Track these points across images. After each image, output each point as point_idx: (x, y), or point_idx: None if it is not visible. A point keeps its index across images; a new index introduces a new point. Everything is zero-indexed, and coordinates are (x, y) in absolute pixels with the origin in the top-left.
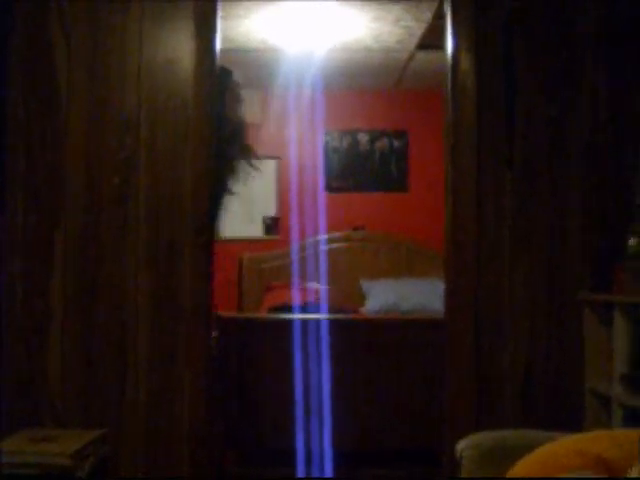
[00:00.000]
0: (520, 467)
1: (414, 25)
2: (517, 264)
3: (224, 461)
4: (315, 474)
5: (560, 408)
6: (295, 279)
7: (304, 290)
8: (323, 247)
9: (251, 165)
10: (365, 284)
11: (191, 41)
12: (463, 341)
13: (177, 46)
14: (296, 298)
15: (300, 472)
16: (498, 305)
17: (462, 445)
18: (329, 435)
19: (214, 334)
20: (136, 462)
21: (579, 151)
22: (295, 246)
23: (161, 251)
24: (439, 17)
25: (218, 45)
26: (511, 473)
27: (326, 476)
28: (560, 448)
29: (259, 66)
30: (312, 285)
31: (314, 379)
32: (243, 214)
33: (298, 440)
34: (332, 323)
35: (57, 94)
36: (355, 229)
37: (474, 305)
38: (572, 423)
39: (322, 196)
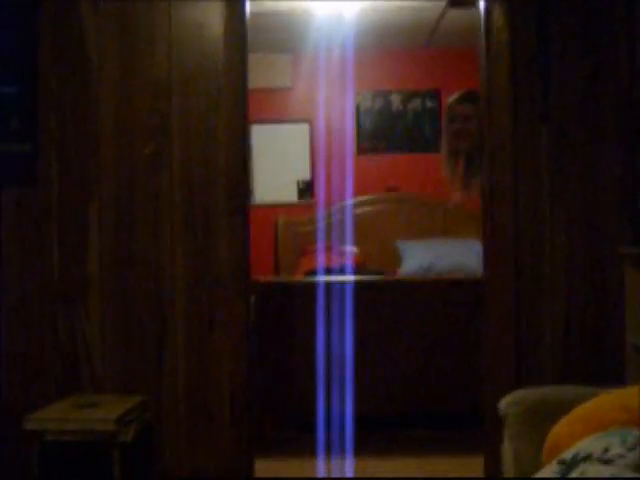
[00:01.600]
0: (565, 423)
1: None
2: (555, 220)
3: (263, 426)
4: (349, 439)
5: (601, 363)
6: (331, 242)
7: (340, 253)
8: (357, 209)
9: None
10: (401, 245)
11: (220, 5)
12: (502, 297)
13: (206, 10)
14: (332, 261)
15: (332, 437)
16: (537, 261)
17: (505, 402)
18: (366, 399)
19: (252, 299)
20: (178, 428)
21: (614, 104)
22: (329, 209)
23: (197, 218)
24: None
25: (248, 9)
26: (556, 429)
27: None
28: (605, 403)
29: (289, 29)
30: (348, 248)
31: (352, 342)
32: (277, 178)
33: (332, 405)
34: (369, 285)
35: (87, 62)
36: (388, 190)
37: (513, 261)
38: (613, 378)
39: (355, 158)
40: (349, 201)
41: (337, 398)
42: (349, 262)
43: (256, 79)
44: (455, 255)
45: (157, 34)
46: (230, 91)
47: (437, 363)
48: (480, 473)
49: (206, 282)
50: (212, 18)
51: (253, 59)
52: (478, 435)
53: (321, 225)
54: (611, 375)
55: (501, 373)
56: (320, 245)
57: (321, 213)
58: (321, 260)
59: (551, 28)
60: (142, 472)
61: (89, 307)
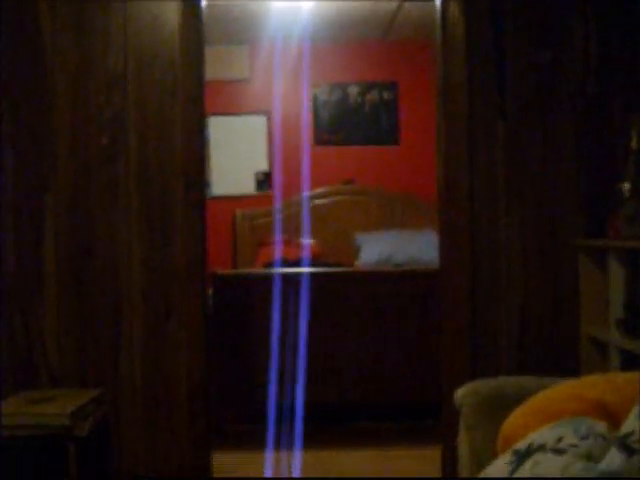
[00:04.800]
0: (519, 413)
1: None
2: (511, 213)
3: (221, 419)
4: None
5: (556, 355)
6: (289, 234)
7: (298, 245)
8: (314, 201)
9: None
10: (359, 237)
11: None
12: (458, 291)
13: (163, 1)
14: (290, 253)
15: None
16: (493, 254)
17: (461, 393)
18: (323, 389)
19: (210, 292)
20: (135, 421)
21: (570, 98)
22: (287, 201)
23: (153, 210)
24: None
25: (204, 0)
26: (510, 420)
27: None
28: (559, 393)
29: (246, 21)
30: (305, 240)
31: (309, 334)
32: (234, 170)
33: (289, 397)
34: (327, 277)
35: (42, 54)
36: (345, 183)
37: (469, 255)
38: (569, 370)
39: (312, 150)
40: (306, 193)
41: (294, 390)
42: (307, 254)
43: (213, 71)
44: (413, 246)
45: (113, 25)
46: (187, 83)
47: (394, 354)
48: (437, 464)
49: (163, 274)
50: (168, 9)
51: (210, 51)
52: (435, 426)
53: (279, 217)
54: (567, 366)
55: (457, 364)
56: (278, 237)
57: (279, 205)
58: (279, 252)
59: (506, 22)
60: (98, 467)
61: (45, 301)
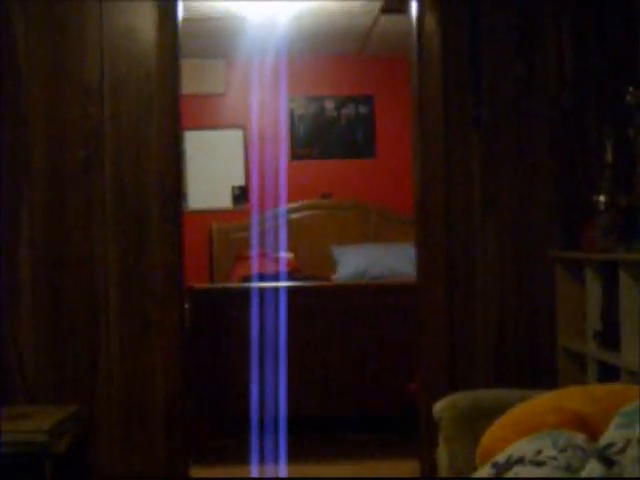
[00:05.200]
0: (498, 426)
1: None
2: (487, 225)
3: (200, 434)
4: (286, 442)
5: (533, 367)
6: (265, 248)
7: (274, 259)
8: (291, 215)
9: None
10: (335, 251)
11: (152, 9)
12: (435, 304)
13: (138, 13)
14: (267, 267)
15: (267, 442)
16: (469, 267)
17: (439, 406)
18: (302, 402)
19: (186, 305)
20: (112, 437)
21: (545, 110)
22: (263, 215)
23: (129, 224)
24: None
25: (180, 13)
26: (489, 432)
27: (301, 443)
28: (537, 406)
29: (222, 35)
30: (282, 254)
31: (286, 347)
32: (211, 184)
33: (267, 410)
34: (304, 291)
35: (16, 65)
36: (323, 197)
37: (445, 268)
38: (546, 382)
39: (289, 164)
40: (283, 207)
41: (272, 403)
42: (283, 268)
43: (188, 85)
44: (389, 260)
45: (88, 38)
46: (162, 96)
47: (371, 367)
48: (416, 476)
49: (140, 288)
50: (144, 22)
51: (185, 65)
52: (413, 439)
53: (255, 231)
54: (544, 378)
55: (435, 377)
56: (254, 251)
57: (255, 219)
58: (255, 266)
59: (482, 35)
60: None
61: (20, 313)
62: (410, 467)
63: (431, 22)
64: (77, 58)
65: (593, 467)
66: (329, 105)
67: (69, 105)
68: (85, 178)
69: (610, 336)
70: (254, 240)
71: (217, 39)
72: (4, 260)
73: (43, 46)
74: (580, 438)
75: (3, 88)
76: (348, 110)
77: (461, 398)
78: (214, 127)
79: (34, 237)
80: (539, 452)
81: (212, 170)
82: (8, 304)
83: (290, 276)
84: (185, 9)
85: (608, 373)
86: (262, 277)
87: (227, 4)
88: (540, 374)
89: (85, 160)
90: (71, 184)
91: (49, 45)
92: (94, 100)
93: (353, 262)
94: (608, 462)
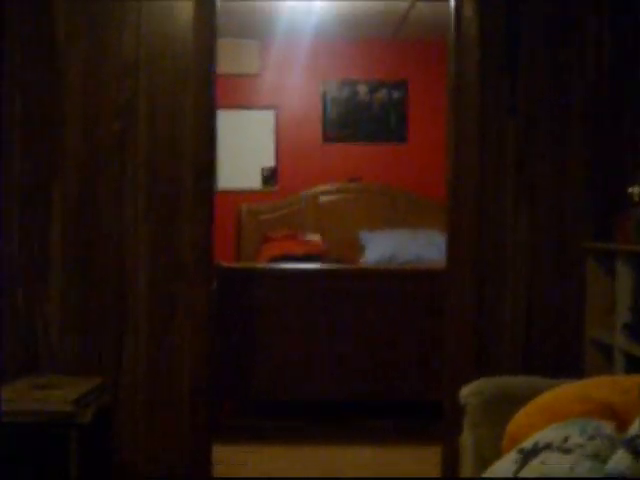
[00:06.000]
0: (525, 413)
1: None
2: (519, 214)
3: (221, 412)
4: (307, 425)
5: (561, 357)
6: (293, 230)
7: (303, 241)
8: (320, 198)
9: None
10: (363, 235)
11: None
12: (464, 291)
13: None
14: (294, 249)
15: (290, 423)
16: (500, 254)
17: (466, 392)
18: (324, 385)
19: (214, 284)
20: (136, 412)
21: (582, 99)
22: (293, 197)
23: (161, 201)
24: None
25: None
26: (516, 419)
27: (323, 425)
28: (565, 393)
29: (258, 15)
30: (311, 236)
31: (312, 329)
32: (241, 165)
33: (290, 391)
34: (330, 273)
35: (54, 40)
36: (352, 180)
37: (476, 255)
38: (573, 372)
39: (320, 146)
40: (313, 190)
41: (295, 385)
42: (311, 250)
43: (223, 64)
44: (417, 246)
45: (127, 15)
46: (198, 74)
47: (397, 352)
48: (437, 463)
49: (169, 266)
50: (182, 1)
51: (221, 44)
52: (436, 425)
53: (284, 213)
54: (571, 368)
55: (461, 364)
56: (283, 233)
57: (284, 201)
58: (283, 248)
59: (520, 20)
60: (99, 455)
61: (50, 288)
62: (432, 453)
63: (469, 8)
64: (115, 33)
65: (621, 456)
66: (362, 89)
67: (106, 79)
68: (118, 154)
69: (639, 328)
70: (282, 222)
71: (253, 20)
72: (36, 236)
73: (82, 21)
74: (608, 427)
75: (41, 62)
76: (381, 94)
77: (488, 384)
78: (246, 107)
79: (65, 212)
80: (566, 439)
81: (243, 150)
82: (38, 280)
83: (317, 259)
84: None
85: (636, 365)
86: (289, 259)
87: None
88: (567, 364)
89: (119, 135)
90: (104, 159)
91: (88, 20)
92: (130, 75)
93: (380, 247)
94: (636, 452)
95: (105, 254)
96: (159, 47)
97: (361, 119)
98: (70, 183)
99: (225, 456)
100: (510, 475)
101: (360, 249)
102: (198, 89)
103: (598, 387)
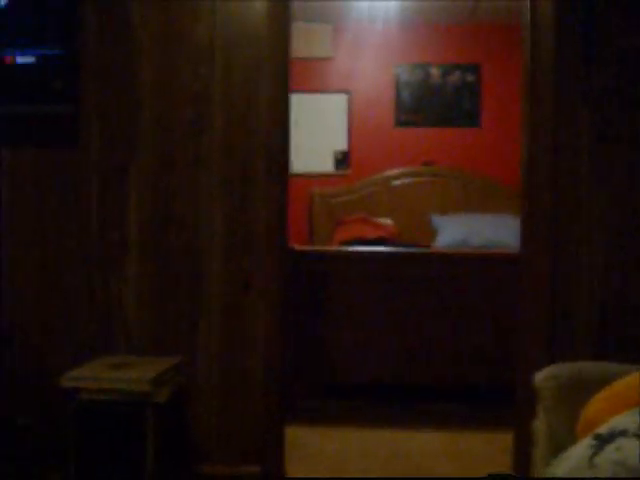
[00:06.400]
0: (601, 399)
1: None
2: (594, 200)
3: (293, 393)
4: (379, 408)
5: (636, 344)
6: (366, 214)
7: (375, 225)
8: (393, 182)
9: None
10: (436, 219)
11: None
12: (539, 276)
13: None
14: (367, 232)
15: (361, 406)
16: (575, 239)
17: (540, 376)
18: (398, 370)
19: (287, 266)
20: (211, 390)
21: None
22: (365, 181)
23: (235, 184)
24: None
25: None
26: (592, 404)
27: (393, 407)
28: None
29: None
30: (383, 220)
31: (385, 312)
32: (314, 148)
33: (362, 374)
34: (402, 257)
35: (130, 26)
36: (425, 164)
37: (550, 239)
38: None
39: (392, 130)
40: (385, 173)
41: (367, 367)
42: (383, 234)
43: (297, 48)
44: (490, 230)
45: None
46: (272, 58)
47: (469, 337)
48: (506, 449)
49: (243, 247)
50: None
51: (294, 28)
52: (508, 411)
53: (356, 196)
54: None
55: (535, 350)
56: (355, 216)
57: (357, 184)
58: (355, 231)
59: (598, 7)
60: (174, 434)
61: (126, 269)
62: (503, 439)
63: None
64: (189, 19)
65: None
66: (435, 72)
67: (180, 65)
68: (193, 137)
69: None
70: (355, 205)
71: (326, 4)
72: (113, 219)
73: (157, 7)
74: None
75: (115, 45)
76: (454, 78)
77: (563, 369)
78: (319, 91)
79: (141, 196)
80: None
81: (315, 134)
82: (115, 262)
83: (390, 242)
84: None
85: None
86: (362, 242)
87: None
88: None
89: (194, 119)
90: (179, 143)
91: (162, 6)
92: (205, 60)
93: (452, 231)
94: None
95: (180, 236)
96: (234, 32)
97: (434, 103)
98: (146, 167)
99: (298, 436)
100: (585, 461)
101: (432, 233)
102: (272, 73)
103: None
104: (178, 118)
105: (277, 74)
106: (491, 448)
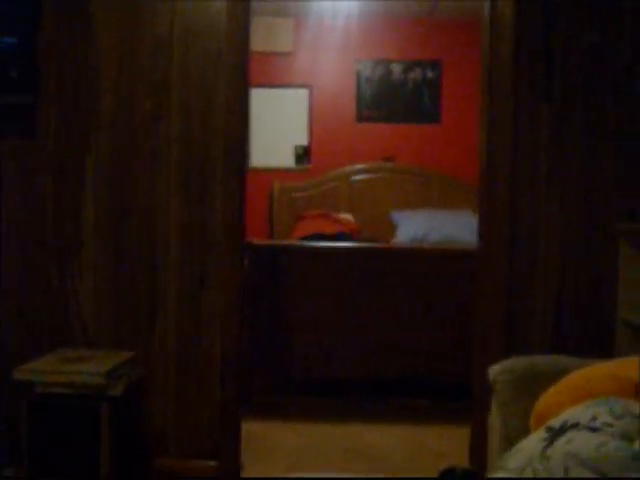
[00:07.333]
0: (554, 391)
1: None
2: (552, 196)
3: (251, 389)
4: (337, 403)
5: (591, 337)
6: (326, 209)
7: (335, 220)
8: (353, 177)
9: None
10: (395, 215)
11: None
12: (496, 271)
13: None
14: (326, 228)
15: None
16: (532, 235)
17: (495, 370)
18: (355, 364)
19: (245, 262)
20: (167, 385)
21: (617, 83)
22: (325, 176)
23: (193, 177)
24: None
25: None
26: (545, 398)
27: (353, 403)
28: (594, 373)
29: None
30: (343, 215)
31: (342, 308)
32: (274, 143)
33: (319, 369)
34: (362, 252)
35: (89, 15)
36: (385, 160)
37: (507, 235)
38: (603, 354)
39: (353, 126)
40: (346, 169)
41: (324, 362)
42: (343, 229)
43: (257, 42)
44: (449, 226)
45: None
46: (231, 51)
47: (426, 332)
48: (465, 443)
49: (200, 241)
50: None
51: (255, 22)
52: (466, 406)
53: (316, 192)
54: (602, 350)
55: (491, 343)
56: (315, 212)
57: (317, 180)
58: (315, 226)
59: (556, 3)
60: (130, 428)
61: (82, 263)
62: (460, 433)
63: None
64: (148, 9)
65: None
66: (396, 68)
67: (139, 55)
68: (151, 129)
69: None
70: (315, 200)
71: None
72: (69, 211)
73: None
74: (637, 407)
75: (75, 36)
76: (415, 74)
77: (517, 362)
78: (280, 85)
79: (98, 186)
80: (595, 418)
81: (276, 128)
82: (71, 255)
83: (349, 238)
84: None
85: None
86: (321, 237)
87: None
88: (597, 345)
89: (152, 110)
90: (137, 134)
91: None
92: (164, 52)
93: (412, 227)
94: None
95: (137, 229)
96: (193, 24)
97: (395, 99)
98: (103, 159)
99: (254, 430)
100: (537, 452)
101: (392, 229)
102: (232, 67)
103: (628, 367)
104: (137, 108)
105: (236, 67)
106: (452, 442)
